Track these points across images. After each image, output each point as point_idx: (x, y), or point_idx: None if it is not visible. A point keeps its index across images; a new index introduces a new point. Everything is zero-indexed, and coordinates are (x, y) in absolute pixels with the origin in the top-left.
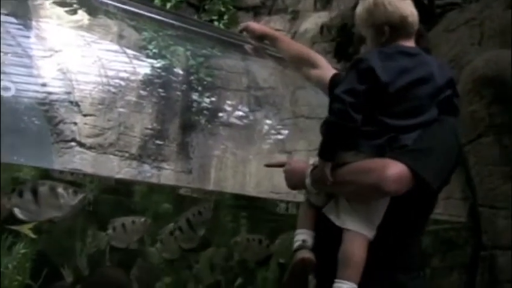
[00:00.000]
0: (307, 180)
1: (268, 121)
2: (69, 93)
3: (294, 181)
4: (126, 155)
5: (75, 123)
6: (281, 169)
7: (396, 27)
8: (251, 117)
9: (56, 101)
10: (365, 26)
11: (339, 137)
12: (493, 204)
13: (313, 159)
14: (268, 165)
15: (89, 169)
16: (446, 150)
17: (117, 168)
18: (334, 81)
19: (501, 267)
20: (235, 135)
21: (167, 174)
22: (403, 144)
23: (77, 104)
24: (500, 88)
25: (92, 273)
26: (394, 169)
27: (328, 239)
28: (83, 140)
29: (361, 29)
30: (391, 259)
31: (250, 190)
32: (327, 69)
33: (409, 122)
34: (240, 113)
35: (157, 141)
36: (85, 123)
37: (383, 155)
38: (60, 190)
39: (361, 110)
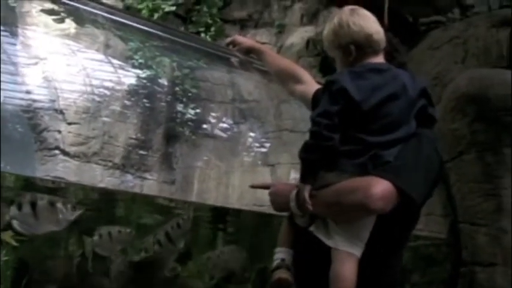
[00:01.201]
0: (292, 204)
1: (252, 134)
2: (53, 101)
3: (279, 203)
4: (110, 164)
5: (59, 131)
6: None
7: (362, 45)
8: (235, 130)
9: (41, 108)
10: (332, 48)
11: (317, 158)
12: (474, 221)
13: (296, 175)
14: (253, 187)
15: (72, 177)
16: (428, 164)
17: (100, 177)
18: (317, 97)
19: (481, 284)
20: (219, 147)
21: (150, 184)
22: (385, 161)
23: (61, 112)
24: (483, 106)
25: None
26: (379, 187)
27: (314, 257)
28: (67, 149)
29: (329, 51)
30: (376, 276)
31: (233, 202)
32: (310, 84)
33: (387, 138)
34: (224, 125)
35: (141, 151)
36: (69, 132)
37: (366, 173)
38: (59, 205)
39: (337, 130)
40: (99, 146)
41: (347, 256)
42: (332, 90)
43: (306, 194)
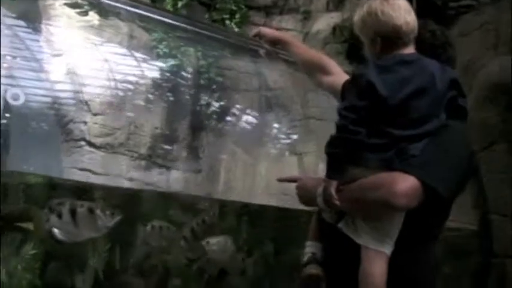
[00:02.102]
0: (319, 199)
1: (278, 123)
2: (78, 92)
3: (306, 198)
4: (136, 155)
5: (85, 123)
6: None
7: (390, 37)
8: (261, 119)
9: (65, 100)
10: (361, 35)
11: (343, 152)
12: (505, 213)
13: (323, 165)
14: (280, 180)
15: (98, 169)
16: (456, 158)
17: (126, 168)
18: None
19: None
20: (244, 137)
21: (176, 174)
22: (411, 155)
23: (86, 104)
24: None
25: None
26: (404, 183)
27: (342, 253)
28: (93, 140)
29: (359, 36)
30: (406, 273)
31: (260, 192)
32: (339, 75)
33: (415, 132)
34: (250, 115)
35: (167, 142)
36: (95, 123)
37: (392, 168)
38: (98, 212)
39: (364, 124)
40: (125, 137)
41: (376, 254)
42: (359, 85)
43: (333, 190)
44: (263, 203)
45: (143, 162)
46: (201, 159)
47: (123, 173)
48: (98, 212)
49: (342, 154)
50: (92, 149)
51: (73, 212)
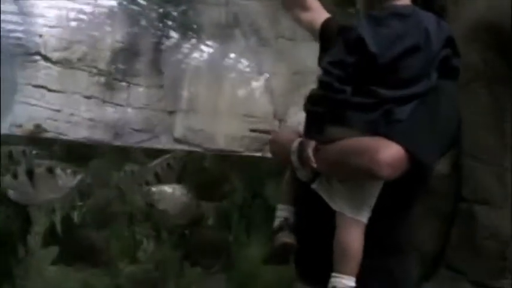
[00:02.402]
0: (293, 157)
1: (245, 40)
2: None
3: (279, 153)
4: (95, 70)
5: (40, 36)
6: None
7: None
8: (228, 35)
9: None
10: None
11: (325, 111)
12: (477, 156)
13: (291, 86)
14: (253, 130)
15: (54, 85)
16: (444, 123)
17: (85, 85)
18: (326, 28)
19: (480, 222)
20: (209, 52)
21: (138, 90)
22: (397, 119)
23: (42, 16)
24: (500, 35)
25: None
26: (388, 151)
27: (316, 217)
28: (49, 54)
29: None
30: (382, 243)
31: (224, 111)
32: (318, 12)
33: (403, 93)
34: (216, 30)
35: (128, 56)
36: (51, 36)
37: (376, 131)
38: (58, 171)
39: (350, 82)
40: (84, 52)
41: (353, 223)
42: (348, 38)
43: (310, 151)
44: (228, 128)
45: (103, 78)
46: (163, 74)
47: (82, 90)
48: (58, 171)
49: (323, 113)
50: (48, 64)
51: (30, 173)
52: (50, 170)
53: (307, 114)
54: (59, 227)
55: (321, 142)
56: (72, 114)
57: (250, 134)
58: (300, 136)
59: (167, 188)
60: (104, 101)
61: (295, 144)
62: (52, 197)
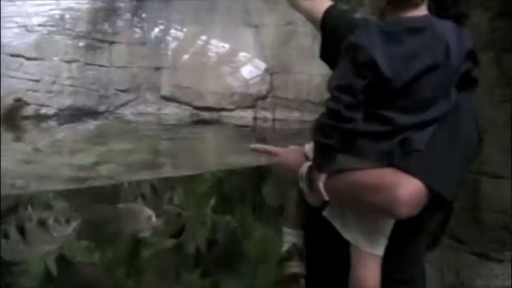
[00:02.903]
0: (302, 184)
1: None
2: None
3: (286, 177)
4: (73, 33)
5: None
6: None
7: None
8: None
9: None
10: None
11: (335, 141)
12: (484, 128)
13: (308, 146)
14: (254, 149)
15: (32, 53)
16: (465, 146)
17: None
18: (329, 19)
19: (486, 195)
20: (193, 4)
21: (120, 48)
22: (415, 149)
23: None
24: (509, 2)
25: None
26: (407, 188)
27: (328, 244)
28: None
29: None
30: (395, 274)
31: (211, 66)
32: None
33: (420, 118)
34: None
35: (107, 14)
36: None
37: (392, 163)
38: (50, 222)
39: (361, 109)
40: (59, 14)
41: (369, 257)
42: (357, 60)
43: (321, 185)
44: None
45: (83, 41)
46: (145, 29)
47: (61, 56)
48: (51, 222)
49: (332, 144)
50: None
51: (21, 229)
52: (42, 223)
53: (315, 144)
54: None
55: (331, 172)
56: (53, 83)
57: (239, 91)
58: (306, 157)
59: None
60: (86, 63)
61: (303, 170)
62: (47, 249)
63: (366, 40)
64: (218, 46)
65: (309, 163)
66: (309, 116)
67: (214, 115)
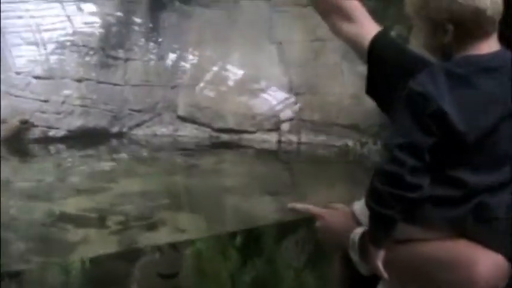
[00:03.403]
0: (353, 254)
1: (255, 4)
2: None
3: (333, 245)
4: (85, 50)
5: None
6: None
7: (466, 26)
8: None
9: None
10: (417, 17)
11: (395, 212)
12: None
13: (358, 205)
14: (292, 209)
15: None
16: None
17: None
18: (377, 48)
19: None
20: (215, 19)
21: (135, 65)
22: (493, 217)
23: None
24: None
25: None
26: (487, 263)
27: None
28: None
29: (411, 15)
30: None
31: (232, 84)
32: (364, 25)
33: (497, 177)
34: None
35: (122, 28)
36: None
37: (465, 231)
38: None
39: (428, 171)
40: (71, 30)
41: None
42: (423, 111)
43: (379, 263)
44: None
45: (95, 58)
46: (162, 46)
47: (72, 74)
48: None
49: (393, 215)
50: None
51: None
52: None
53: (370, 213)
54: None
55: (391, 243)
56: (63, 103)
57: (262, 112)
58: (356, 219)
59: None
60: (98, 82)
61: (355, 237)
62: None
63: (432, 87)
64: (239, 63)
65: (361, 229)
66: (337, 140)
67: (234, 137)
